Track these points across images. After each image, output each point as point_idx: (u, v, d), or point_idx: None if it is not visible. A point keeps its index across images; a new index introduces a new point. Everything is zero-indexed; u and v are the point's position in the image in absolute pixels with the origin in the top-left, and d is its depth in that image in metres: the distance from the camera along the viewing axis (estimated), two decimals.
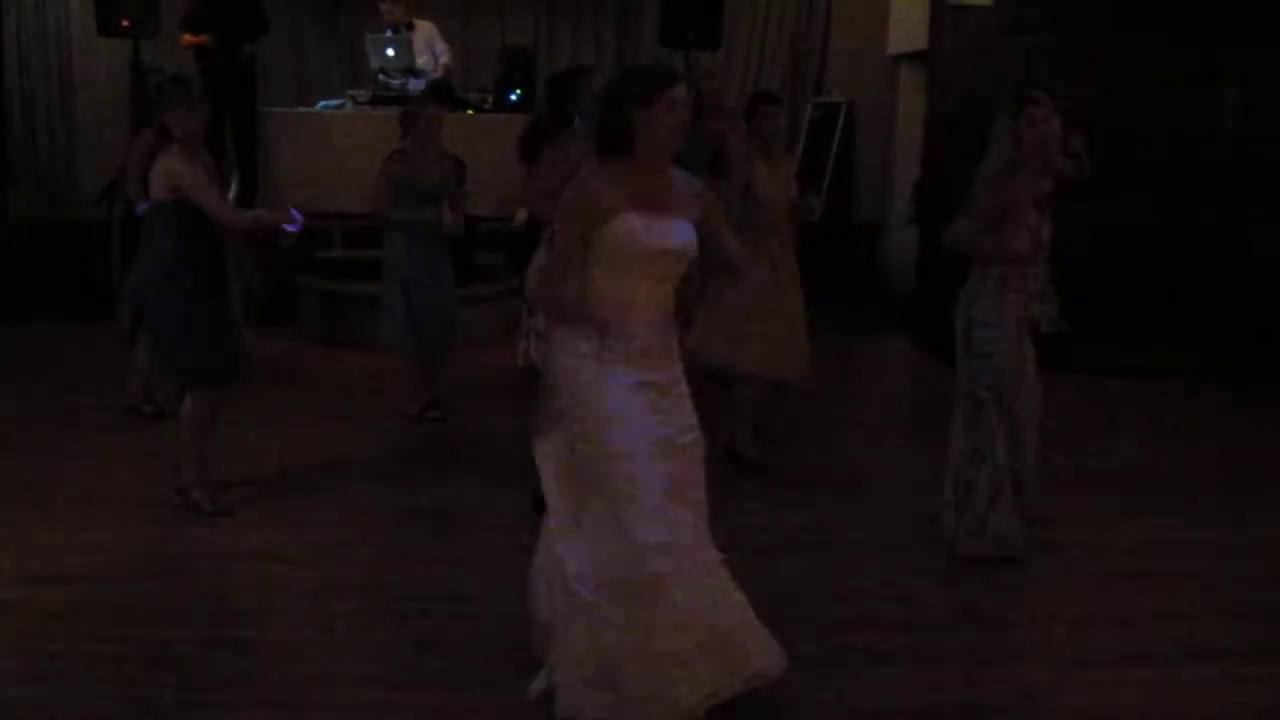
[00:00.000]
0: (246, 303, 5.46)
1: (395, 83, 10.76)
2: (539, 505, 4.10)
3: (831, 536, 5.59)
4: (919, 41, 10.16)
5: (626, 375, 3.76)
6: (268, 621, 4.55)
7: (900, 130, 11.29)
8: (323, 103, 11.30)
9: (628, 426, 3.74)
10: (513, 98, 10.83)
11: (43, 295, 9.52)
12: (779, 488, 6.23)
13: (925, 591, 5.01)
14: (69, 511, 5.58)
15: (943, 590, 5.03)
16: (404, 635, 4.44)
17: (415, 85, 10.77)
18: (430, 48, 10.95)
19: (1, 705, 3.90)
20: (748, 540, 5.43)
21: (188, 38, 10.18)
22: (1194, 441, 7.30)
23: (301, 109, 11.32)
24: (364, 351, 8.11)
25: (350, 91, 11.16)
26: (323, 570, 5.03)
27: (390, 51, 10.82)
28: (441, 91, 10.26)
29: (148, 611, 4.61)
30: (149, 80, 7.49)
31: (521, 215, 7.17)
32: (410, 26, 10.96)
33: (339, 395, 7.87)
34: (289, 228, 5.35)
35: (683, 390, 3.91)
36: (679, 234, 3.79)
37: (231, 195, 10.32)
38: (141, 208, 6.02)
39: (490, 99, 10.97)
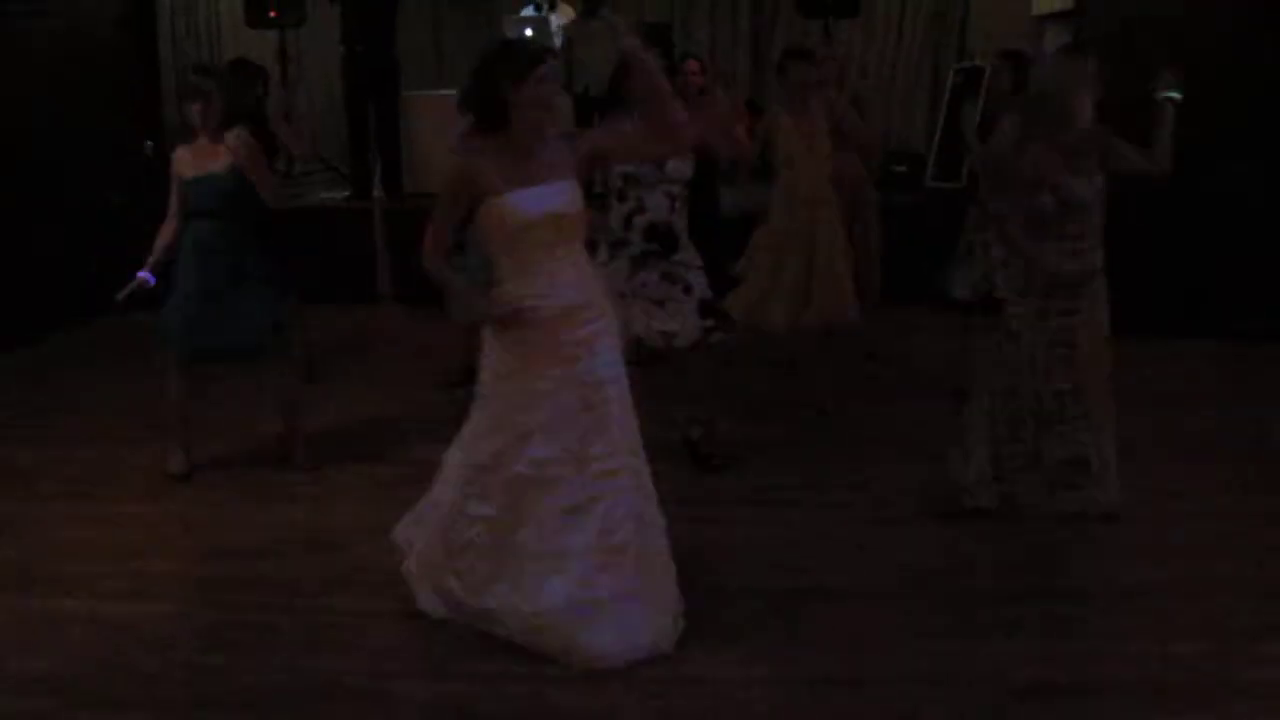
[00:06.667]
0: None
1: None
2: None
3: (875, 496, 5.50)
4: (1065, 1, 9.83)
5: (548, 378, 3.92)
6: (409, 593, 4.48)
7: None
8: None
9: (546, 440, 3.93)
10: None
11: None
12: (824, 450, 6.14)
13: (974, 553, 4.90)
14: (210, 491, 5.71)
15: (990, 547, 4.93)
16: None
17: (552, 67, 10.80)
18: None
19: (183, 670, 4.08)
20: (779, 499, 5.47)
21: None
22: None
23: (443, 92, 11.46)
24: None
25: None
26: None
27: (528, 32, 10.89)
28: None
29: (302, 583, 4.72)
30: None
31: None
32: (553, 6, 11.02)
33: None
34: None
35: (609, 326, 4.03)
36: (557, 196, 3.89)
37: (376, 180, 10.54)
38: None
39: None
